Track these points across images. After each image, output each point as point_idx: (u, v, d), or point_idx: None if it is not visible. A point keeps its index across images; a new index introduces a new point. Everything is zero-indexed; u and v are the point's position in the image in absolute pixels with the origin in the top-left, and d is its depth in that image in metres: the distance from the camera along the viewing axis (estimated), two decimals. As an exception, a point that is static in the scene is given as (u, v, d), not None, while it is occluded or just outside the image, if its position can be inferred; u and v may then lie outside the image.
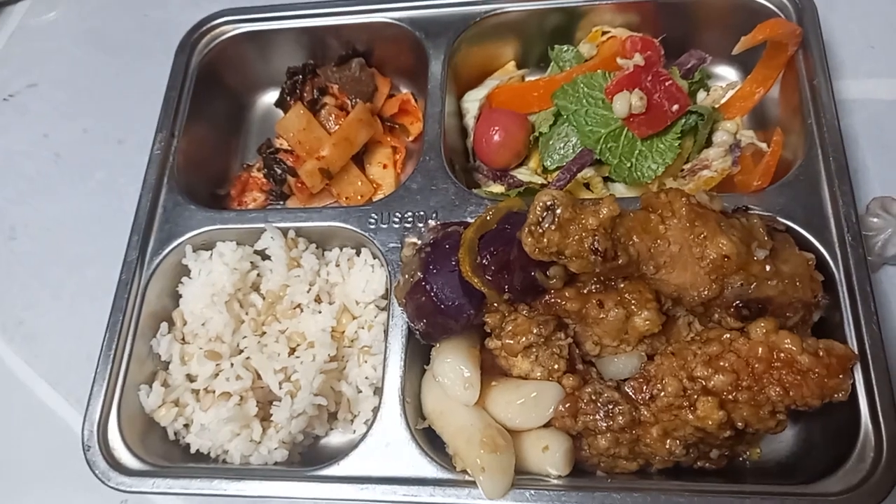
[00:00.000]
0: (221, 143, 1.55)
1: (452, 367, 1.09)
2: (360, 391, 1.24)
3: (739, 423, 1.00)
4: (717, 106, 1.32)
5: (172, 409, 1.23)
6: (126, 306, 1.26)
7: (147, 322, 1.28)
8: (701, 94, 1.33)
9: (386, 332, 1.18)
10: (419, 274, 1.09)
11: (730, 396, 0.99)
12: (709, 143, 1.30)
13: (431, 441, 1.12)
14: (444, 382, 1.09)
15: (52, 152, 1.69)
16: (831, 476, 0.99)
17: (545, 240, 0.99)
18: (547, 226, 0.99)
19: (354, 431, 1.25)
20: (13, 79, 1.82)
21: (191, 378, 1.26)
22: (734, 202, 1.13)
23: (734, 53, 1.24)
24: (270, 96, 1.60)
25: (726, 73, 1.43)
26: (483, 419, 1.06)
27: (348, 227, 1.27)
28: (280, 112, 1.55)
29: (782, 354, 0.99)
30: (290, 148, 1.45)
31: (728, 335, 1.02)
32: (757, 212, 1.11)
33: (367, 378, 1.23)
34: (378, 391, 1.21)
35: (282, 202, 1.49)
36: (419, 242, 1.19)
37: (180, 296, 1.32)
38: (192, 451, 1.23)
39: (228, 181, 1.52)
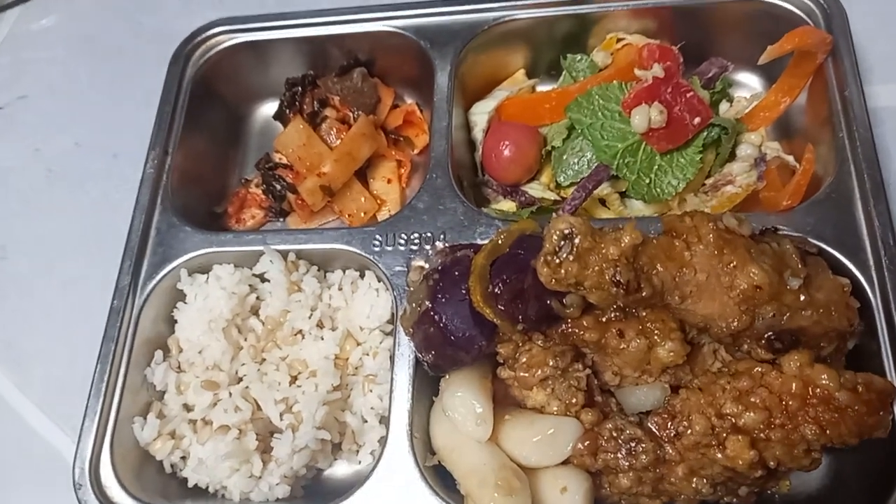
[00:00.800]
0: (218, 157, 1.49)
1: (463, 401, 1.02)
2: (366, 421, 1.18)
3: (772, 463, 0.93)
4: (740, 117, 1.25)
5: (168, 442, 1.17)
6: (118, 334, 1.20)
7: (141, 350, 1.22)
8: (723, 106, 1.26)
9: (392, 360, 1.12)
10: (427, 303, 1.03)
11: (762, 435, 0.93)
12: (732, 156, 1.23)
13: (441, 477, 1.06)
14: (455, 417, 1.02)
15: (44, 167, 1.63)
16: (871, 519, 0.93)
17: (563, 271, 0.92)
18: (564, 256, 0.92)
19: (360, 462, 1.19)
20: (2, 90, 1.76)
21: (188, 408, 1.20)
22: (761, 222, 1.06)
23: (760, 64, 1.17)
24: (269, 108, 1.53)
25: (749, 82, 1.36)
26: (497, 458, 1.00)
27: (351, 249, 1.21)
28: (279, 125, 1.48)
29: (818, 390, 0.92)
30: (289, 163, 1.39)
31: (759, 368, 0.96)
32: (786, 232, 1.05)
33: (372, 408, 1.17)
34: (384, 420, 1.16)
35: (282, 219, 1.43)
36: (426, 267, 1.13)
37: (175, 321, 1.26)
38: (190, 485, 1.17)
39: (226, 198, 1.46)
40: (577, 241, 0.92)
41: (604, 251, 0.91)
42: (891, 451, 0.97)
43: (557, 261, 0.92)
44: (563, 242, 0.92)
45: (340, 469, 1.21)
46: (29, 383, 1.40)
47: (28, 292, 1.49)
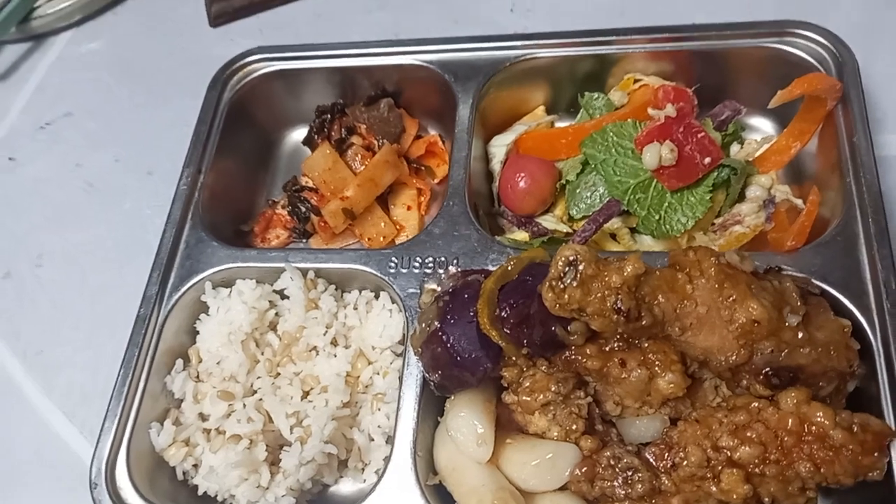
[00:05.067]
0: (248, 177, 1.56)
1: (466, 422, 1.05)
2: (373, 440, 1.21)
3: (766, 499, 0.95)
4: (751, 160, 1.29)
5: (182, 449, 1.21)
6: (143, 342, 1.25)
7: (162, 358, 1.27)
8: (734, 148, 1.30)
9: (401, 380, 1.16)
10: (436, 323, 1.07)
11: (756, 470, 0.94)
12: (741, 197, 1.26)
13: (442, 497, 1.08)
14: (458, 437, 1.06)
15: (84, 181, 1.71)
16: (866, 560, 0.94)
17: (566, 296, 0.95)
18: (569, 282, 0.96)
19: (365, 481, 1.22)
20: (50, 107, 1.85)
21: (203, 417, 1.25)
22: (766, 261, 1.09)
23: (770, 107, 1.21)
24: (299, 133, 1.60)
25: (761, 125, 1.39)
26: (496, 480, 1.03)
27: (368, 269, 1.26)
28: (307, 150, 1.55)
29: (814, 428, 0.94)
30: (315, 186, 1.45)
31: (756, 404, 0.98)
32: (790, 273, 1.07)
33: (379, 426, 1.21)
34: (390, 440, 1.19)
35: (304, 240, 1.48)
36: (438, 289, 1.17)
37: (197, 332, 1.31)
38: (200, 492, 1.21)
39: (253, 217, 1.52)
40: (581, 267, 0.95)
41: (607, 279, 0.95)
42: (888, 495, 0.97)
43: (562, 286, 0.96)
44: (567, 269, 0.96)
45: (345, 487, 1.24)
46: (54, 388, 1.45)
47: (60, 301, 1.55)
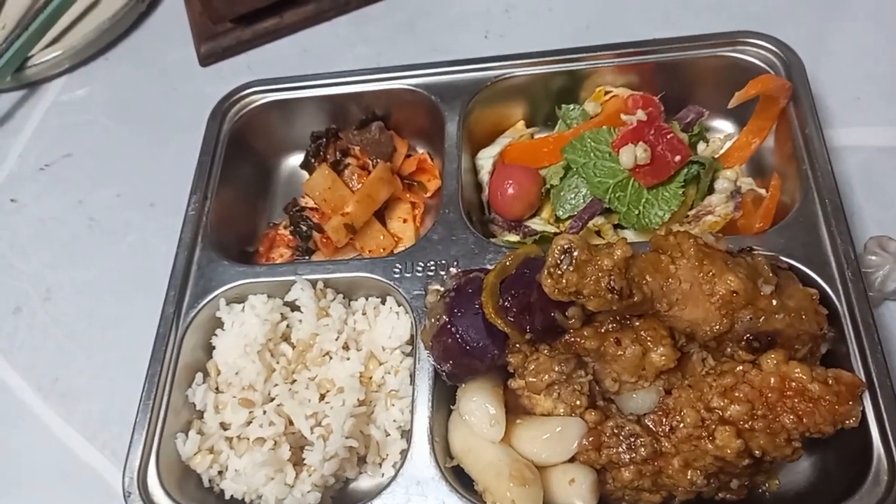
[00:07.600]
0: (250, 203, 1.64)
1: (478, 405, 1.14)
2: (388, 434, 1.29)
3: (757, 451, 1.04)
4: (716, 156, 1.41)
5: (207, 457, 1.27)
6: (164, 358, 1.31)
7: (182, 373, 1.33)
8: (701, 146, 1.42)
9: (412, 376, 1.24)
10: (444, 317, 1.16)
11: (746, 425, 1.04)
12: (711, 190, 1.38)
13: (460, 479, 1.16)
14: (471, 420, 1.14)
15: (87, 217, 1.77)
16: (849, 499, 1.03)
17: (564, 281, 1.05)
18: (565, 268, 1.05)
19: (383, 475, 1.29)
20: (48, 150, 1.92)
21: (224, 426, 1.31)
22: (738, 244, 1.19)
23: (729, 107, 1.34)
24: (295, 159, 1.69)
25: (723, 127, 1.52)
26: (510, 454, 1.11)
27: (374, 276, 1.34)
28: (304, 173, 1.64)
29: (794, 383, 1.04)
30: (315, 206, 1.54)
31: (741, 367, 1.07)
32: (761, 252, 1.18)
33: (394, 421, 1.28)
34: (405, 434, 1.26)
35: (307, 258, 1.56)
36: (442, 289, 1.26)
37: (213, 347, 1.38)
38: (227, 497, 1.26)
39: (256, 239, 1.60)
40: (575, 254, 1.05)
41: (599, 262, 1.05)
42: (864, 443, 1.07)
43: (559, 272, 1.05)
44: (563, 256, 1.06)
45: (365, 482, 1.31)
46: (72, 413, 1.50)
47: (72, 331, 1.61)
